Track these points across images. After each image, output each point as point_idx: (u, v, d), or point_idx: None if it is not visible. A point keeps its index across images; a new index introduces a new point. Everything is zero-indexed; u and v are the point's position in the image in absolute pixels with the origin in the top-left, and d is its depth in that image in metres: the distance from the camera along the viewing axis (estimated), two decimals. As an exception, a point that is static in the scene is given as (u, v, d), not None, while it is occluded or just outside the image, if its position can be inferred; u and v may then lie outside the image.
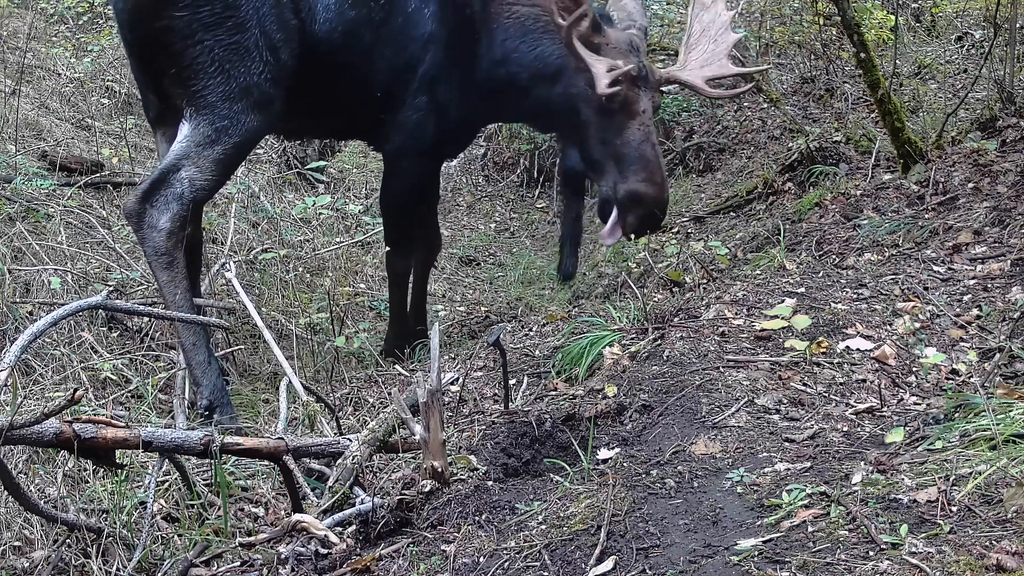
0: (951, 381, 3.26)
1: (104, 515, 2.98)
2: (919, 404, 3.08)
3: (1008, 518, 2.15)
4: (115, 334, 4.44)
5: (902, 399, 3.15)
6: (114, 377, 4.00)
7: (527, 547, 2.44)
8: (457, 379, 3.97)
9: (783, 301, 3.82)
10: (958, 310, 3.73)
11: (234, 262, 4.81)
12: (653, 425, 3.14)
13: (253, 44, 3.91)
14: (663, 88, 4.76)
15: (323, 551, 2.62)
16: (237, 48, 3.88)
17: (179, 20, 3.80)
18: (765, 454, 2.79)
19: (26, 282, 4.53)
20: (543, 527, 2.53)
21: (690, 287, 4.49)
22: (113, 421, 2.85)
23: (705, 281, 4.45)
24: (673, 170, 7.34)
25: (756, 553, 2.21)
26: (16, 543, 2.83)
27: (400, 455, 3.35)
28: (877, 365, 3.36)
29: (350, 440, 3.19)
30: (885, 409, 3.06)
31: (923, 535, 2.15)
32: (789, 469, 2.65)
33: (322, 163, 7.10)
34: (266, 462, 3.28)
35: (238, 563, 2.74)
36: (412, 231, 4.93)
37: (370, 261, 6.31)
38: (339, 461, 3.09)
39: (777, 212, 5.57)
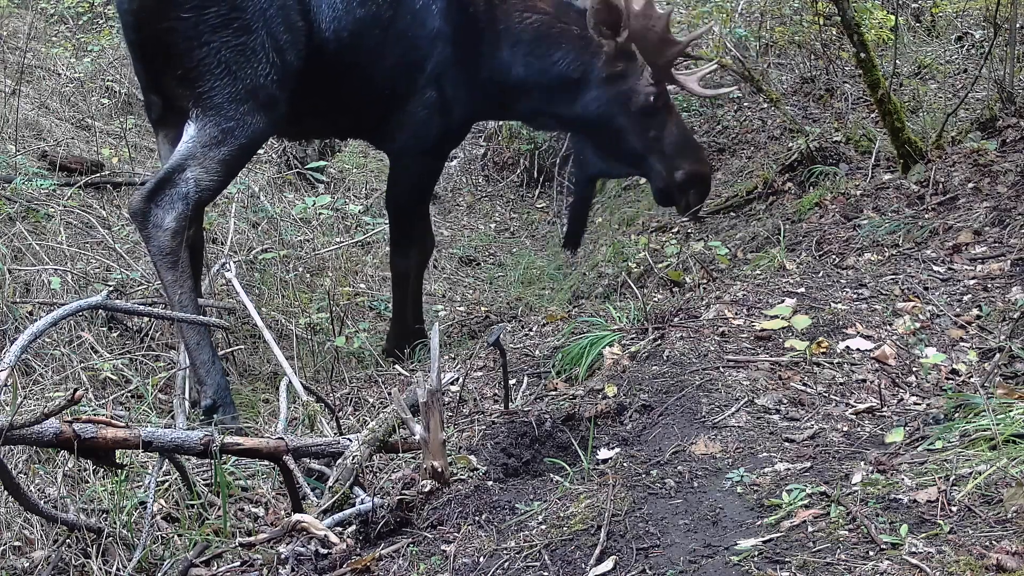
0: (951, 381, 3.26)
1: (104, 515, 2.98)
2: (919, 404, 3.08)
3: (1008, 518, 2.15)
4: (115, 334, 4.44)
5: (902, 399, 3.15)
6: (114, 377, 4.00)
7: (527, 547, 2.44)
8: (457, 379, 3.97)
9: (783, 301, 3.82)
10: (958, 310, 3.73)
11: (234, 262, 4.81)
12: (653, 425, 3.14)
13: (259, 46, 3.91)
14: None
15: (323, 551, 2.62)
16: (243, 50, 3.88)
17: (185, 22, 3.81)
18: (765, 454, 2.79)
19: (26, 282, 4.53)
20: (543, 527, 2.53)
21: (690, 287, 4.49)
22: (113, 421, 2.85)
23: (705, 281, 4.44)
24: (673, 170, 7.33)
25: (756, 553, 2.21)
26: (16, 543, 2.84)
27: (400, 455, 3.35)
28: (877, 365, 3.36)
29: (350, 440, 3.19)
30: (885, 409, 3.06)
31: (923, 535, 2.15)
32: (789, 469, 2.65)
33: (322, 163, 7.10)
34: (266, 462, 3.28)
35: (238, 563, 2.74)
36: (415, 230, 4.94)
37: (370, 261, 6.31)
38: (339, 461, 3.09)
39: (777, 212, 5.57)
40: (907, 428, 2.82)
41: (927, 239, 4.40)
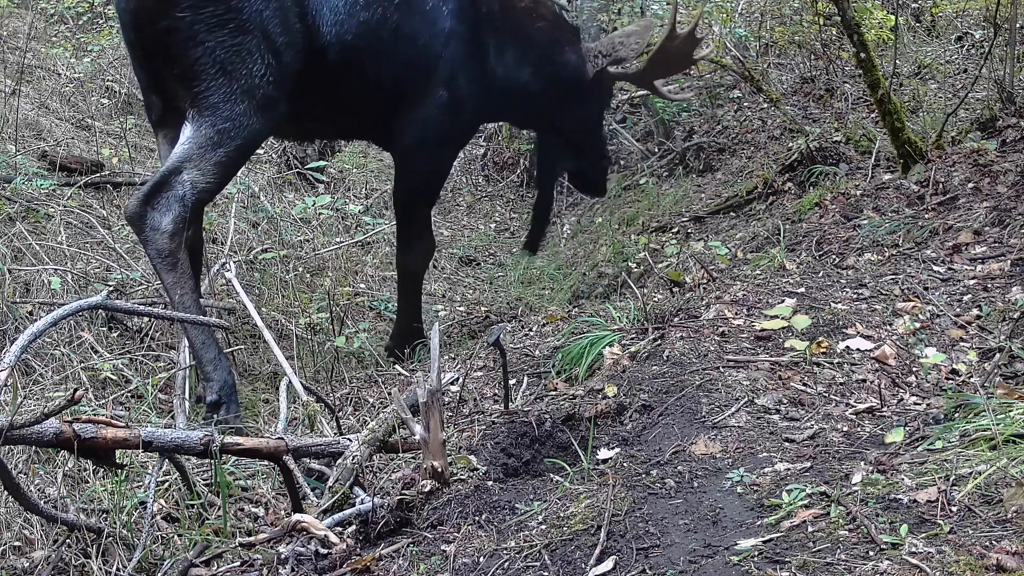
0: (951, 381, 3.26)
1: (104, 515, 2.98)
2: (919, 404, 3.08)
3: (1008, 518, 2.15)
4: (115, 334, 4.44)
5: (902, 399, 3.15)
6: (114, 377, 4.00)
7: (527, 547, 2.44)
8: (457, 379, 3.97)
9: (783, 301, 3.82)
10: (958, 310, 3.73)
11: (234, 262, 4.81)
12: (653, 425, 3.14)
13: (255, 47, 3.90)
14: None
15: (323, 551, 2.62)
16: (239, 50, 3.87)
17: (181, 21, 3.80)
18: (765, 454, 2.79)
19: (26, 282, 4.53)
20: (543, 527, 2.53)
21: (690, 287, 4.49)
22: (113, 421, 2.85)
23: (705, 281, 4.44)
24: (673, 170, 7.34)
25: (756, 553, 2.21)
26: (16, 543, 2.83)
27: (400, 455, 3.35)
28: (877, 365, 3.36)
29: (350, 440, 3.19)
30: (885, 409, 3.06)
31: (923, 535, 2.15)
32: (789, 469, 2.65)
33: (322, 163, 7.10)
34: (266, 462, 3.28)
35: (238, 563, 2.74)
36: (422, 229, 4.97)
37: (370, 261, 6.31)
38: (339, 461, 3.09)
39: (777, 212, 5.57)
40: (907, 428, 2.82)
41: (927, 239, 4.40)
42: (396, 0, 4.39)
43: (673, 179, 7.15)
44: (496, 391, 3.88)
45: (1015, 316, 3.51)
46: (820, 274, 4.24)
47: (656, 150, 7.64)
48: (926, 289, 3.93)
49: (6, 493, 2.78)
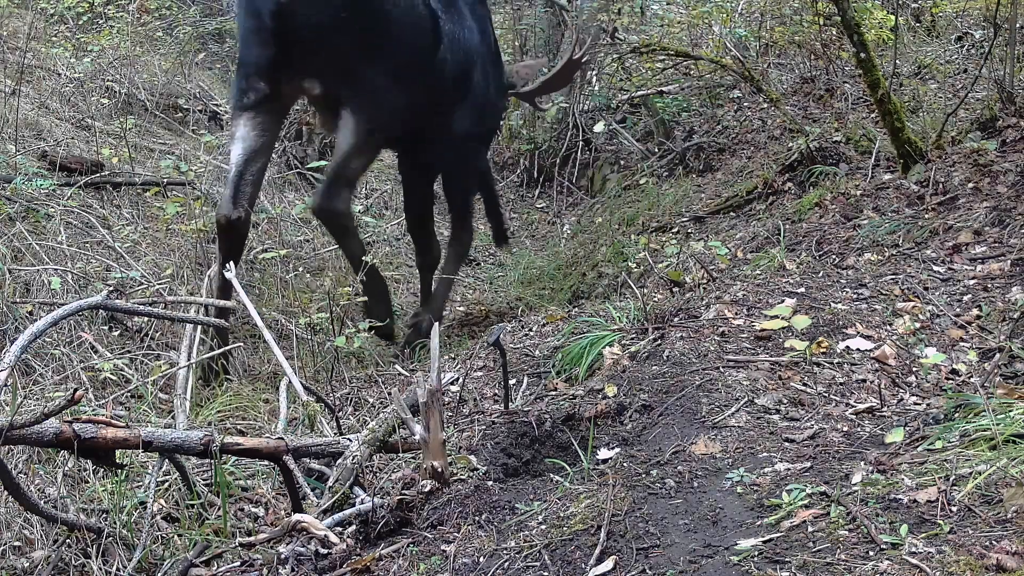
0: (951, 381, 3.26)
1: (104, 515, 2.99)
2: (919, 404, 3.08)
3: (1008, 518, 2.15)
4: (115, 334, 4.44)
5: (902, 399, 3.15)
6: (114, 377, 4.00)
7: (527, 547, 2.44)
8: (457, 379, 3.97)
9: (783, 301, 3.82)
10: (958, 310, 3.73)
11: (234, 262, 4.80)
12: (653, 425, 3.14)
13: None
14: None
15: (323, 551, 2.62)
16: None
17: (343, 24, 4.31)
18: (765, 454, 2.79)
19: (26, 282, 4.53)
20: (543, 527, 2.53)
21: (690, 287, 4.48)
22: (113, 421, 2.85)
23: (705, 281, 4.44)
24: (673, 170, 7.34)
25: (756, 553, 2.21)
26: (16, 543, 2.84)
27: (400, 455, 3.35)
28: (877, 365, 3.36)
29: (350, 440, 3.19)
30: (885, 409, 3.06)
31: (923, 535, 2.15)
32: (789, 469, 2.65)
33: (322, 163, 7.09)
34: (266, 462, 3.28)
35: (238, 563, 2.74)
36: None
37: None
38: (339, 461, 3.09)
39: (777, 212, 5.57)
40: (907, 428, 2.82)
41: (927, 239, 4.40)
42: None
43: (673, 179, 7.15)
44: (496, 391, 3.88)
45: (1015, 316, 3.51)
46: (820, 274, 4.24)
47: (656, 150, 7.64)
48: (926, 289, 3.93)
49: (6, 493, 2.78)
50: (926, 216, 4.62)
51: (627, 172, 7.76)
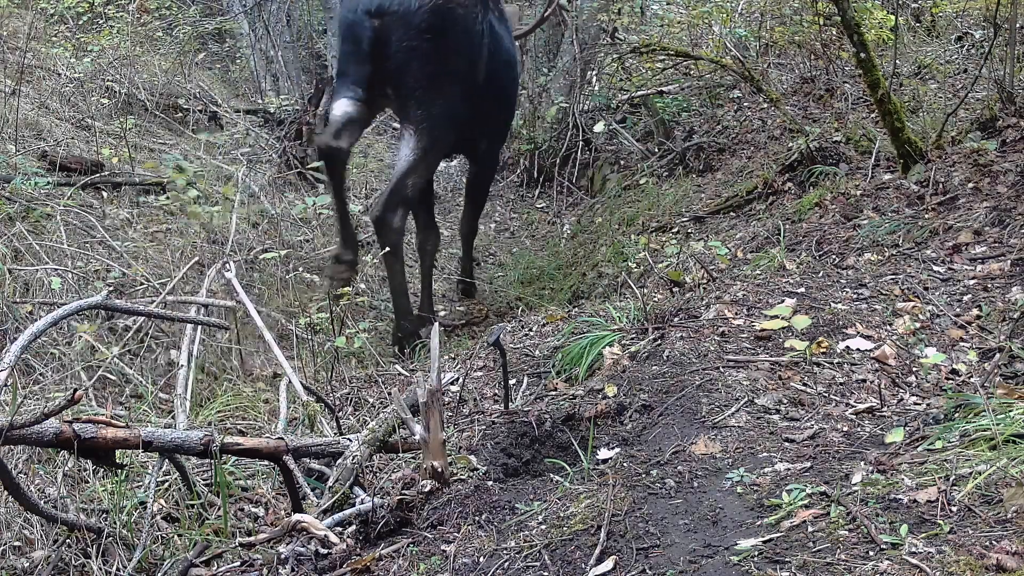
0: (951, 381, 3.25)
1: (104, 515, 2.98)
2: (919, 404, 3.08)
3: (1008, 518, 2.15)
4: (115, 334, 4.44)
5: (902, 399, 3.15)
6: (114, 377, 3.99)
7: (527, 547, 2.44)
8: (457, 379, 3.97)
9: (783, 301, 3.82)
10: (958, 310, 3.73)
11: (234, 262, 4.81)
12: (653, 425, 3.14)
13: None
14: None
15: (323, 551, 2.62)
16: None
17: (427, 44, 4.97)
18: (765, 454, 2.79)
19: (26, 282, 4.53)
20: (543, 527, 2.53)
21: (690, 287, 4.48)
22: (113, 421, 2.85)
23: (705, 281, 4.44)
24: (673, 170, 7.34)
25: (756, 553, 2.21)
26: (16, 543, 2.84)
27: (400, 455, 3.35)
28: (877, 365, 3.36)
29: (350, 440, 3.19)
30: (885, 409, 3.06)
31: (923, 535, 2.15)
32: (789, 469, 2.65)
33: (322, 163, 7.09)
34: (266, 462, 3.28)
35: (238, 563, 2.74)
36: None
37: (370, 261, 6.30)
38: (339, 461, 3.09)
39: (777, 212, 5.57)
40: (907, 428, 2.82)
41: (927, 239, 4.40)
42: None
43: (673, 179, 7.14)
44: (496, 391, 3.88)
45: (1015, 316, 3.51)
46: (820, 274, 4.24)
47: (656, 150, 7.64)
48: (926, 289, 3.93)
49: (6, 493, 2.78)
50: (926, 216, 4.61)
51: (627, 172, 7.76)
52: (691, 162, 7.28)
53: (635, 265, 5.25)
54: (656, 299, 4.37)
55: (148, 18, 8.86)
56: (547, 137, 8.53)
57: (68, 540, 2.83)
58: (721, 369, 3.34)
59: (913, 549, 2.10)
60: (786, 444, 2.85)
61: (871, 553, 2.12)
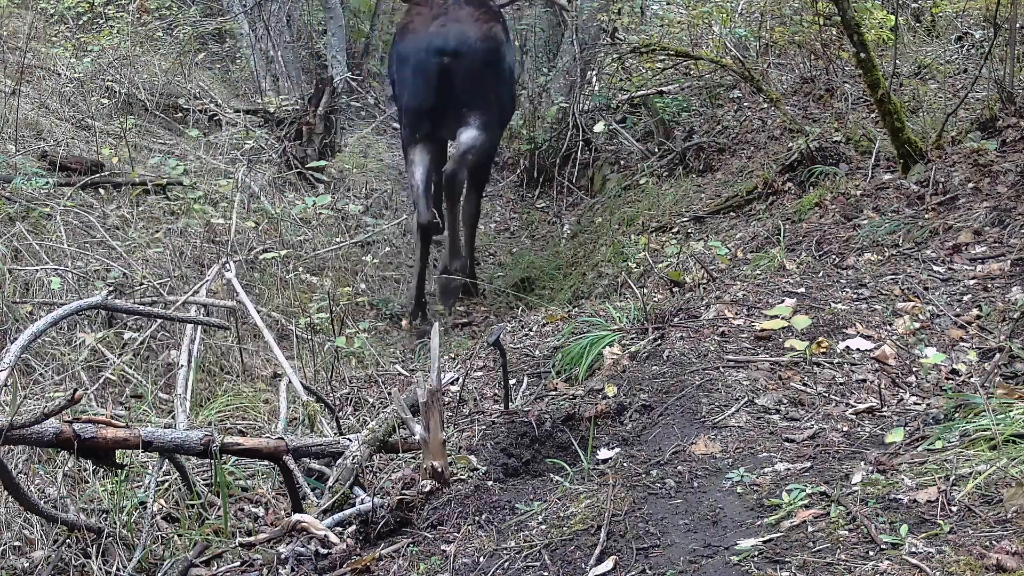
0: (951, 381, 3.25)
1: (104, 515, 2.99)
2: (919, 404, 3.08)
3: (1008, 518, 2.15)
4: (115, 334, 4.43)
5: (902, 399, 3.15)
6: (114, 377, 3.99)
7: (527, 547, 2.44)
8: (457, 379, 3.97)
9: (783, 301, 3.81)
10: (958, 310, 3.73)
11: (234, 262, 4.81)
12: (653, 425, 3.14)
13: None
14: None
15: (323, 551, 2.62)
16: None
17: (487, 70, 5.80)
18: (765, 454, 2.79)
19: (26, 282, 4.53)
20: (543, 527, 2.53)
21: (690, 287, 4.48)
22: (113, 421, 2.85)
23: (705, 281, 4.44)
24: (673, 170, 7.34)
25: (756, 553, 2.21)
26: (16, 543, 2.84)
27: (400, 455, 3.35)
28: (877, 365, 3.35)
29: (350, 440, 3.19)
30: (885, 409, 3.06)
31: (923, 535, 2.15)
32: (789, 469, 2.65)
33: (322, 163, 7.10)
34: (266, 462, 3.28)
35: (238, 563, 2.74)
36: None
37: (370, 261, 6.31)
38: (339, 461, 3.09)
39: (777, 212, 5.57)
40: (907, 428, 2.82)
41: (927, 239, 4.40)
42: None
43: (673, 179, 7.14)
44: (496, 391, 3.88)
45: (1015, 316, 3.51)
46: (820, 274, 4.24)
47: (656, 150, 7.63)
48: (926, 289, 3.93)
49: (6, 493, 2.78)
50: (926, 216, 4.61)
51: (627, 172, 7.76)
52: (691, 162, 7.27)
53: (635, 265, 5.25)
54: (656, 299, 4.37)
55: (148, 18, 8.86)
56: (547, 137, 8.53)
57: (68, 540, 2.83)
58: (721, 369, 3.34)
59: (913, 549, 2.10)
60: (786, 444, 2.85)
61: (871, 553, 2.12)
